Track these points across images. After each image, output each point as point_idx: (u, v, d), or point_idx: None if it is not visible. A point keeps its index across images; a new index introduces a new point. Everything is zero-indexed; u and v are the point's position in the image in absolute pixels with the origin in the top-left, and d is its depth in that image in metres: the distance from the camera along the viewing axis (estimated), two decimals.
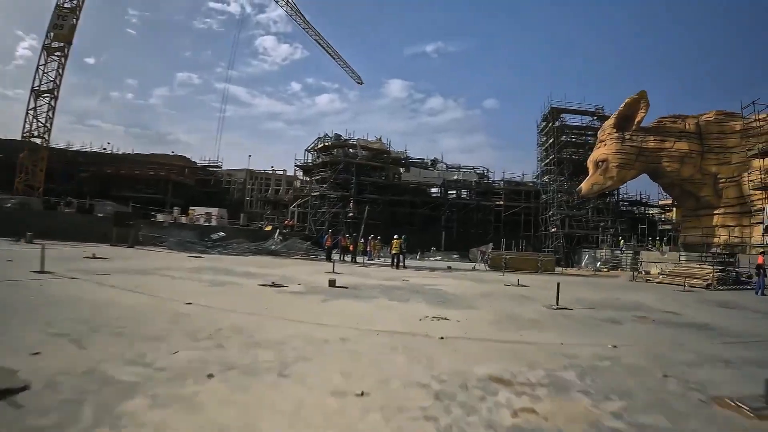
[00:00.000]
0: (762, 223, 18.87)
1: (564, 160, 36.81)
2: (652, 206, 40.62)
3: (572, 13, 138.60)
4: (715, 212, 22.35)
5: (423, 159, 53.48)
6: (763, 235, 19.02)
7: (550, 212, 37.48)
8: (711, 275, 15.56)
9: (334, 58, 60.34)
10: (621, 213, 38.49)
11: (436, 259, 35.33)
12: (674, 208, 36.47)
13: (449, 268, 22.14)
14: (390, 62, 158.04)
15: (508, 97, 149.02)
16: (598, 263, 29.48)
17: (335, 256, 20.63)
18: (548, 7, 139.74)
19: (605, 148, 23.27)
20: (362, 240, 25.52)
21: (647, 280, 17.71)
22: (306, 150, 51.43)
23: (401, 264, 18.63)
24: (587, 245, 36.17)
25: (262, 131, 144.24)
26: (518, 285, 13.11)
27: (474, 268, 22.92)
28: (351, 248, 22.17)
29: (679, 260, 21.14)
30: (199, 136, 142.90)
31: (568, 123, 37.79)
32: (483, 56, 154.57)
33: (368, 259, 23.58)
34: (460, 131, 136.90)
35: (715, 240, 21.63)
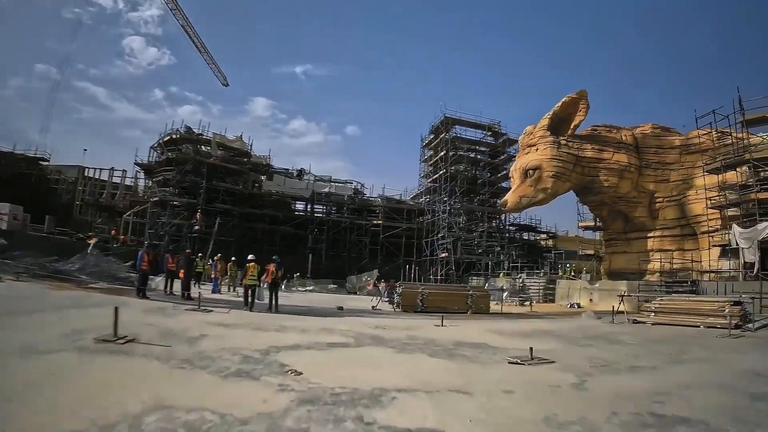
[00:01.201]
0: (727, 245, 16.15)
1: (457, 175, 32.53)
2: (542, 232, 39.50)
3: (452, 48, 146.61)
4: (649, 235, 19.68)
5: (288, 169, 44.77)
6: (726, 259, 16.33)
7: (440, 234, 32.53)
8: (728, 311, 11.08)
9: (200, 51, 49.43)
10: (512, 238, 35.92)
11: (308, 290, 26.86)
12: (554, 236, 35.60)
13: (341, 308, 14.23)
14: (256, 80, 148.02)
15: (370, 126, 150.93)
16: (505, 295, 25.02)
17: (155, 283, 14.54)
18: (426, 41, 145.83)
19: (538, 154, 18.81)
20: (210, 262, 19.49)
21: (635, 321, 12.57)
22: (151, 147, 38.50)
23: (269, 303, 11.99)
24: (475, 273, 32.25)
25: (119, 138, 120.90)
26: (536, 359, 5.97)
27: (374, 308, 15.61)
28: (182, 274, 14.03)
29: (623, 290, 17.26)
30: (54, 136, 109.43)
31: (461, 136, 33.97)
32: (350, 83, 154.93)
33: (214, 290, 16.99)
34: (319, 155, 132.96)
35: (650, 266, 18.73)
